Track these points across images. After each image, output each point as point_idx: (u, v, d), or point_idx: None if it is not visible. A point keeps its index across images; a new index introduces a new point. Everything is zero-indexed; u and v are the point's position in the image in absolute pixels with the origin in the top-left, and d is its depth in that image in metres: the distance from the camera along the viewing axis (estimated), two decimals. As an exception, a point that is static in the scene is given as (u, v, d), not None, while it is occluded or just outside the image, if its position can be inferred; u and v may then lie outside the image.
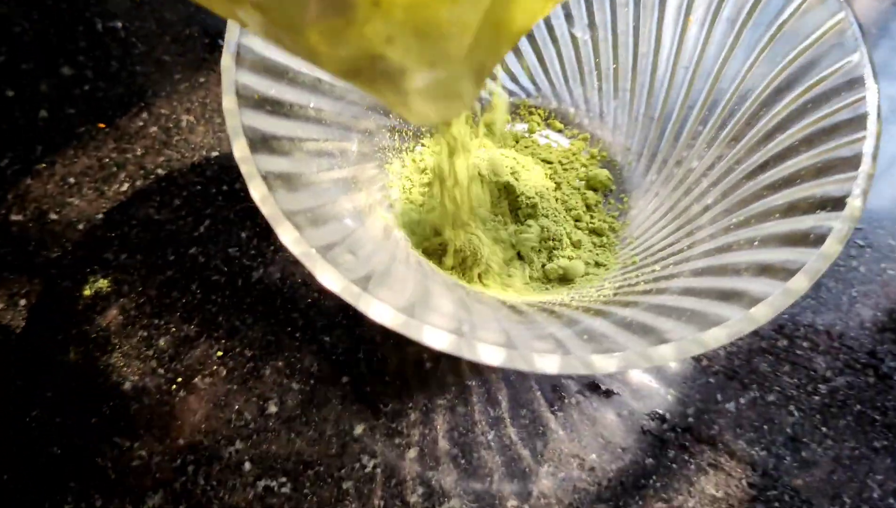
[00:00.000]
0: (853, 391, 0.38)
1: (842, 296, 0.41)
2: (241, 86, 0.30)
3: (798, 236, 0.29)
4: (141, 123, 0.45)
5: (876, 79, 0.31)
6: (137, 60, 0.48)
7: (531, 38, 0.44)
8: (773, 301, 0.26)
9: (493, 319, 0.29)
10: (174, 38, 0.49)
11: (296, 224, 0.27)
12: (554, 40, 0.44)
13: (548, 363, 0.25)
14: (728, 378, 0.38)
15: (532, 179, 0.41)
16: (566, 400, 0.37)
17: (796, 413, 0.37)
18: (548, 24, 0.44)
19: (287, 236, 0.27)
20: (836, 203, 0.29)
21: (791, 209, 0.30)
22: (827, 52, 0.33)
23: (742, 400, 0.38)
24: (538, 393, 0.38)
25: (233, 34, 0.30)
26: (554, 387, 0.38)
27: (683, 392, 0.38)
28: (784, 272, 0.27)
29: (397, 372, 0.37)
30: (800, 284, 0.27)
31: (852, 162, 0.29)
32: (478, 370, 0.38)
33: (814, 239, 0.28)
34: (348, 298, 0.26)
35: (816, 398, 0.38)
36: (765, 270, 0.28)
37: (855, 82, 0.31)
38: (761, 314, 0.26)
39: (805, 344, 0.40)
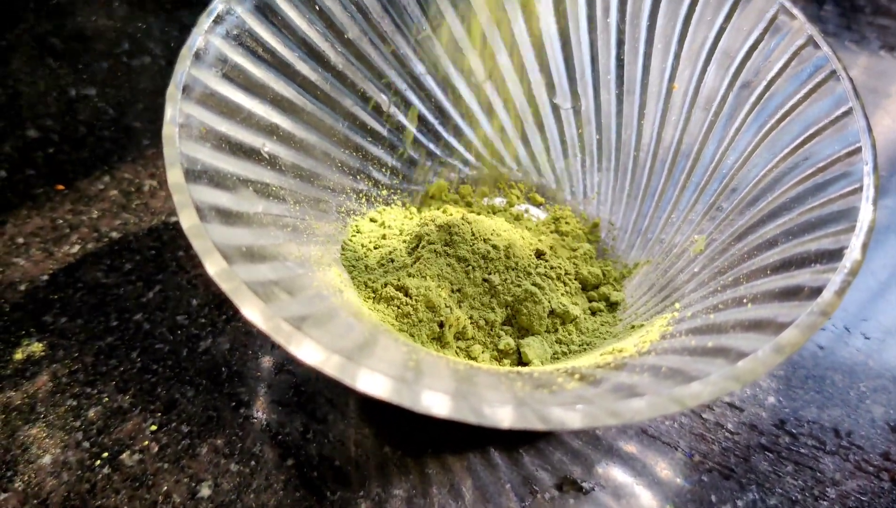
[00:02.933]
0: (865, 496, 0.34)
1: (849, 391, 0.37)
2: (185, 116, 0.28)
3: (790, 290, 0.26)
4: (101, 187, 0.43)
5: (871, 133, 0.29)
6: (106, 126, 0.47)
7: (511, 108, 0.43)
8: (761, 356, 0.23)
9: (446, 370, 0.25)
10: (147, 106, 0.48)
11: (226, 256, 0.24)
12: (535, 111, 0.43)
13: (499, 414, 0.21)
14: (724, 478, 0.34)
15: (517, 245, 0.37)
16: (538, 496, 0.33)
17: (802, 519, 0.33)
18: (528, 93, 0.42)
19: (214, 267, 0.24)
20: (833, 255, 0.26)
21: (783, 265, 0.27)
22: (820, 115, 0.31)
23: (740, 503, 0.33)
24: (507, 486, 0.33)
25: (183, 64, 0.29)
26: (525, 479, 0.33)
27: (673, 492, 0.33)
28: (774, 327, 0.24)
29: (350, 457, 0.33)
30: (792, 338, 0.23)
31: (849, 214, 0.27)
32: (440, 458, 0.34)
33: (808, 293, 0.25)
34: (277, 336, 0.23)
35: (825, 503, 0.33)
36: (754, 326, 0.25)
37: (850, 137, 0.29)
38: (747, 370, 0.23)
39: (810, 442, 0.35)
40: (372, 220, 0.39)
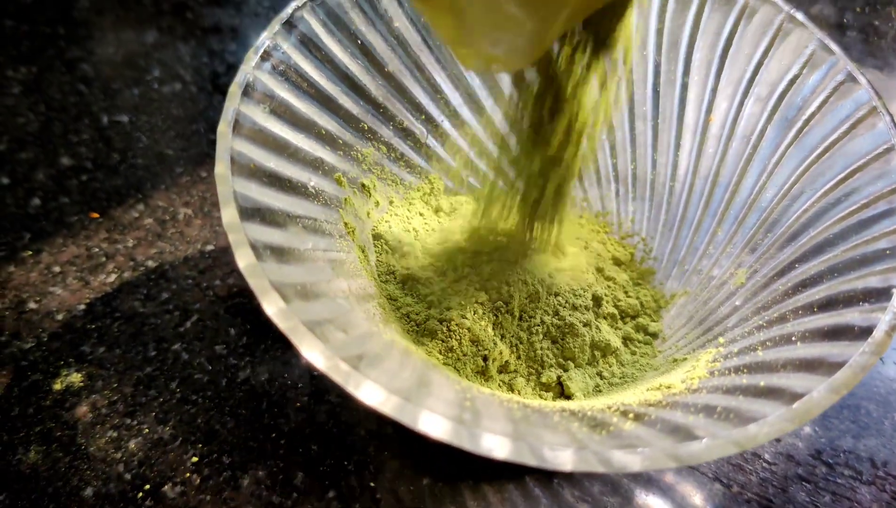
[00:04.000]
0: (904, 528, 0.34)
1: (884, 421, 0.38)
2: (237, 153, 0.28)
3: (839, 329, 0.26)
4: (136, 215, 0.43)
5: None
6: (139, 153, 0.47)
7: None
8: (816, 397, 0.23)
9: (501, 410, 0.25)
10: (179, 134, 0.49)
11: (283, 296, 0.24)
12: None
13: (560, 458, 0.22)
14: (762, 509, 0.34)
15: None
16: (580, 527, 0.33)
17: (842, 552, 0.33)
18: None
19: (272, 306, 0.24)
20: (881, 294, 0.26)
21: (830, 303, 0.27)
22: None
23: (779, 535, 0.33)
24: (549, 518, 0.33)
25: (233, 102, 0.29)
26: (566, 511, 0.33)
27: (712, 523, 0.34)
28: (826, 367, 0.24)
29: (390, 488, 0.33)
30: (846, 379, 0.23)
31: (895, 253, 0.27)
32: (477, 489, 0.34)
33: (858, 333, 0.25)
34: (336, 376, 0.23)
35: (863, 535, 0.33)
36: (805, 366, 0.25)
37: (893, 173, 0.29)
38: (803, 411, 0.23)
39: (846, 472, 0.35)
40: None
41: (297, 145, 0.32)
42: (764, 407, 0.24)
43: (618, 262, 0.40)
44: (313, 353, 0.23)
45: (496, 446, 0.22)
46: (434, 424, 0.22)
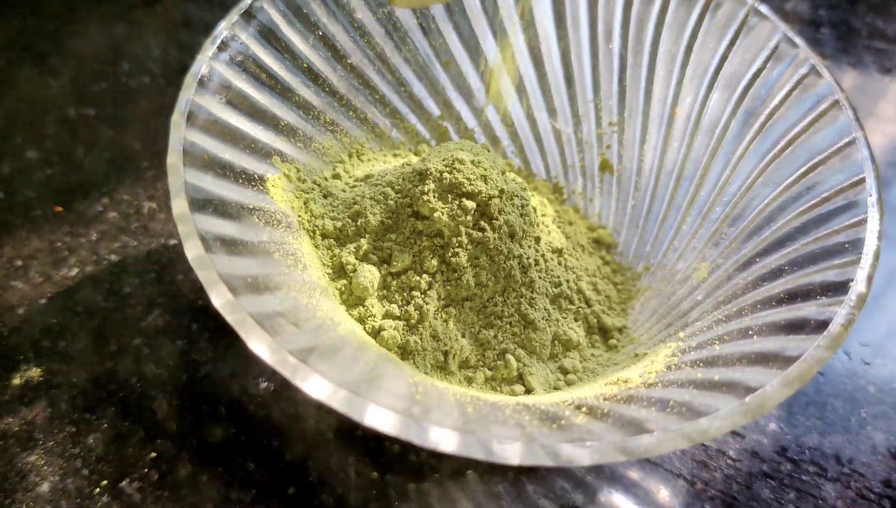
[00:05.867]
0: (868, 524, 0.34)
1: (850, 417, 0.37)
2: (189, 144, 0.27)
3: (796, 323, 0.26)
4: (100, 209, 0.43)
5: (875, 163, 0.29)
6: (105, 147, 0.46)
7: (512, 131, 0.43)
8: (769, 391, 0.23)
9: (453, 404, 0.25)
10: (146, 127, 0.48)
11: (232, 288, 0.24)
12: (536, 135, 0.43)
13: (508, 451, 0.21)
14: (726, 505, 0.34)
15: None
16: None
17: (805, 548, 0.33)
18: (530, 116, 0.42)
19: (219, 298, 0.24)
20: (839, 288, 0.26)
21: (788, 297, 0.27)
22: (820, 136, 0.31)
23: (742, 531, 0.33)
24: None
25: (187, 92, 0.29)
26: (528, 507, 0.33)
27: (676, 520, 0.33)
28: (782, 361, 0.24)
29: (351, 484, 0.33)
30: (800, 372, 0.23)
31: (854, 246, 0.27)
32: (442, 487, 0.33)
33: (814, 326, 0.25)
34: (283, 370, 0.23)
35: (827, 531, 0.33)
36: (761, 359, 0.25)
37: (854, 167, 0.29)
38: (756, 405, 0.23)
39: (811, 469, 0.35)
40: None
41: (254, 137, 0.31)
42: (717, 401, 0.24)
43: (585, 248, 0.40)
44: (260, 346, 0.23)
45: (444, 439, 0.22)
46: (381, 417, 0.22)
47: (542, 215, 0.36)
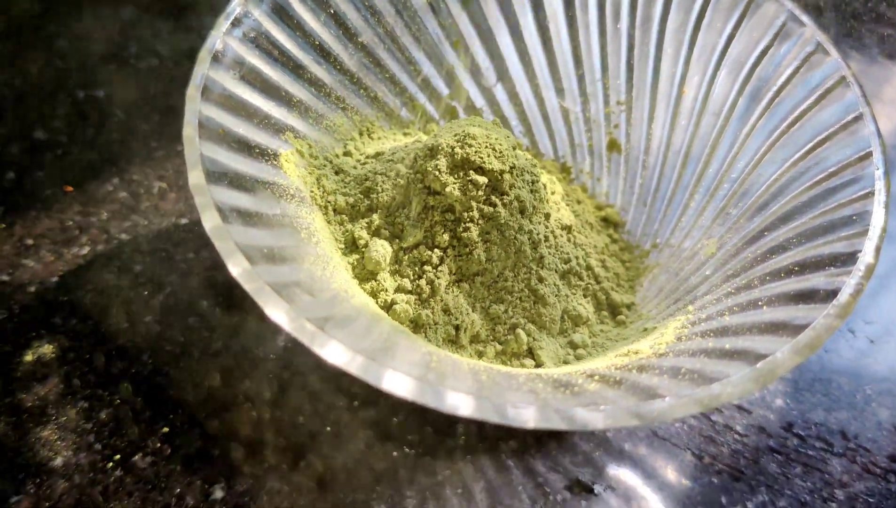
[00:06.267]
0: (874, 498, 0.34)
1: (855, 394, 0.38)
2: (205, 117, 0.28)
3: (805, 293, 0.26)
4: (110, 188, 0.43)
5: (881, 137, 0.29)
6: (115, 128, 0.47)
7: (520, 110, 0.43)
8: (780, 358, 0.23)
9: (466, 372, 0.26)
10: (155, 108, 0.48)
11: (249, 257, 0.24)
12: (544, 114, 0.43)
13: (523, 415, 0.22)
14: (734, 479, 0.34)
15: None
16: (550, 497, 0.33)
17: (811, 521, 0.33)
18: (538, 96, 0.42)
19: (237, 267, 0.24)
20: (847, 259, 0.26)
21: (797, 269, 0.28)
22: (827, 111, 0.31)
23: (750, 505, 0.33)
24: (519, 488, 0.33)
25: (202, 66, 0.29)
26: (536, 482, 0.33)
27: (683, 493, 0.34)
28: (791, 329, 0.24)
29: (361, 459, 0.33)
30: (810, 340, 0.24)
31: (862, 218, 0.27)
32: (451, 461, 0.34)
33: (823, 296, 0.25)
34: (302, 336, 0.23)
35: (833, 504, 0.34)
36: (770, 328, 0.25)
37: (861, 142, 0.29)
38: (767, 371, 0.23)
39: (818, 444, 0.36)
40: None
41: (267, 112, 0.32)
42: (728, 368, 0.24)
43: (593, 226, 0.40)
44: (278, 313, 0.23)
45: (460, 403, 0.22)
46: (398, 382, 0.22)
47: (552, 193, 0.37)
